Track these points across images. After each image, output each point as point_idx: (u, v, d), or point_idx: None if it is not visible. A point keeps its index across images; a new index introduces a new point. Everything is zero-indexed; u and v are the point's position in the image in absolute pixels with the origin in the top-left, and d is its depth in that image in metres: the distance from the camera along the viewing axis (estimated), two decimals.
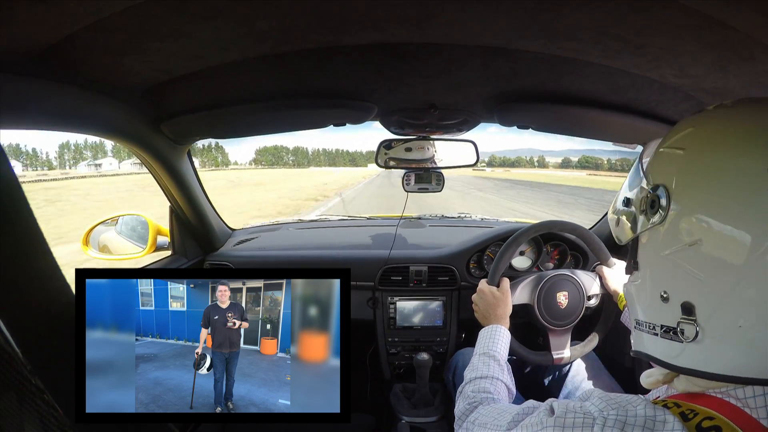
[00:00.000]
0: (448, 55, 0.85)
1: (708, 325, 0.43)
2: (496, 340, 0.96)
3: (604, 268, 1.23)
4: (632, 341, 0.57)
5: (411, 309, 1.63)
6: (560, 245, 1.59)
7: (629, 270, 0.57)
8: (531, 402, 0.62)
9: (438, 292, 1.64)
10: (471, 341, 1.79)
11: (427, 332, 1.63)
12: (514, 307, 1.22)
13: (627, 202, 0.55)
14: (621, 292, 1.15)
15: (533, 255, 1.60)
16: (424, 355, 1.37)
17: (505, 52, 0.82)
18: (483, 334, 1.00)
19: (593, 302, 1.27)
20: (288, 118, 1.18)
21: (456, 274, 1.61)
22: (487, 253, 1.64)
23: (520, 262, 1.61)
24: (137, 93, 0.97)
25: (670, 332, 0.47)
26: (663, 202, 0.47)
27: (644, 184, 0.51)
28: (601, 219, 1.75)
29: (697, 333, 0.44)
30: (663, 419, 0.42)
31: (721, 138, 0.46)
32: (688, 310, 0.45)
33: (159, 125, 1.14)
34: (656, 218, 0.47)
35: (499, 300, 1.08)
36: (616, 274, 1.21)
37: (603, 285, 1.23)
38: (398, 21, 0.71)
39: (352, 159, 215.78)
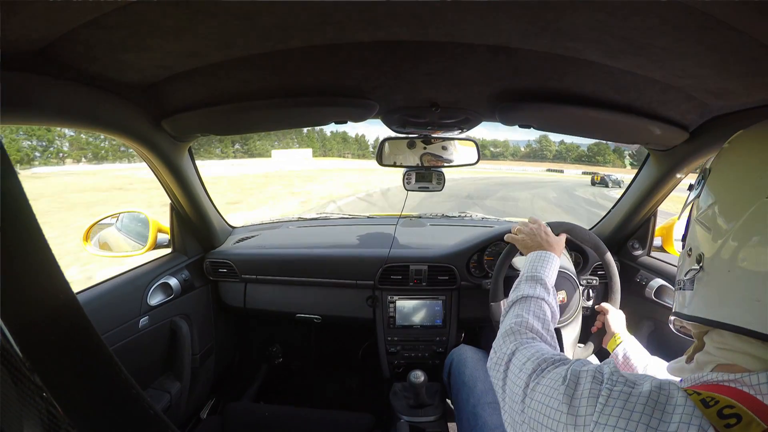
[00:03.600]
0: (450, 53, 0.84)
1: (709, 268, 0.52)
2: (545, 264, 0.94)
3: (607, 305, 1.19)
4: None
5: (411, 308, 1.63)
6: None
7: (683, 245, 0.65)
8: (557, 357, 0.61)
9: (438, 292, 1.64)
10: (469, 341, 1.80)
11: (426, 332, 1.63)
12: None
13: (690, 186, 0.65)
14: (617, 332, 1.11)
15: None
16: (420, 375, 1.37)
17: (508, 51, 0.82)
18: (531, 257, 0.97)
19: (591, 303, 1.27)
20: (289, 116, 1.18)
21: (456, 273, 1.61)
22: (486, 257, 1.64)
23: (521, 261, 1.61)
24: (138, 89, 0.97)
25: (687, 282, 0.56)
26: (705, 176, 0.58)
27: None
28: (602, 219, 1.75)
29: (699, 272, 0.53)
30: (668, 393, 0.44)
31: (755, 142, 0.54)
32: (699, 259, 0.54)
33: (160, 122, 1.14)
34: (698, 189, 0.59)
35: (547, 230, 1.08)
36: (617, 317, 1.16)
37: (605, 323, 1.18)
38: (400, 19, 0.71)
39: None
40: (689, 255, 0.57)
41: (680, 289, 0.59)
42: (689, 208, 0.63)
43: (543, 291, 0.86)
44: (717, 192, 0.55)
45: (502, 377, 0.66)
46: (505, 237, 1.18)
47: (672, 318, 0.65)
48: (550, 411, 0.51)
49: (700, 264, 0.53)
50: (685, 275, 0.56)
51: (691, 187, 0.65)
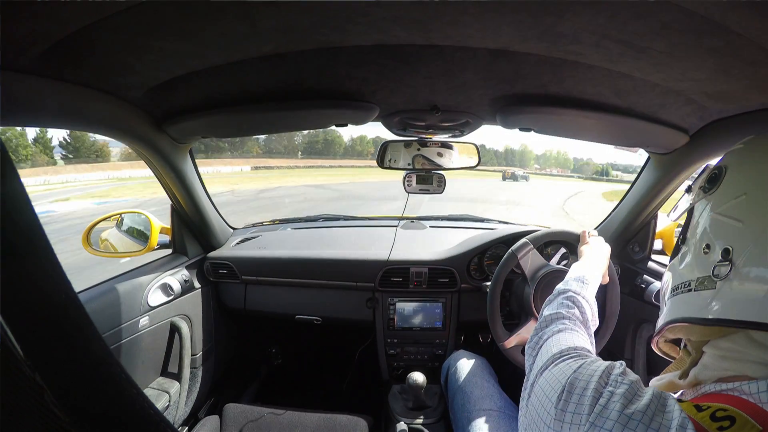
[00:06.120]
0: (451, 57, 0.85)
1: (740, 262, 0.48)
2: (590, 280, 0.93)
3: None
4: (661, 319, 0.62)
5: (410, 310, 1.63)
6: (559, 248, 1.59)
7: (674, 254, 0.63)
8: (584, 351, 0.60)
9: (438, 294, 1.64)
10: (468, 343, 1.80)
11: (426, 334, 1.63)
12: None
13: (689, 189, 0.65)
14: None
15: None
16: (419, 377, 1.36)
17: (508, 54, 0.82)
18: (583, 270, 0.97)
19: None
20: (290, 118, 1.19)
21: (456, 276, 1.61)
22: (486, 261, 1.64)
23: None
24: (140, 92, 0.97)
25: (705, 281, 0.53)
26: (721, 173, 0.57)
27: (709, 168, 0.61)
28: (602, 222, 1.75)
29: (730, 270, 0.49)
30: (665, 404, 0.44)
31: None
32: (726, 253, 0.50)
33: (161, 124, 1.15)
34: (713, 187, 0.57)
35: (606, 257, 1.11)
36: None
37: None
38: (401, 22, 0.71)
39: None
40: (706, 252, 0.54)
41: (690, 290, 0.55)
42: (690, 209, 0.61)
43: (588, 294, 0.86)
44: (744, 184, 0.53)
45: (532, 362, 0.66)
46: (582, 233, 1.21)
47: (656, 338, 0.64)
48: (546, 401, 0.52)
49: (729, 257, 0.50)
50: (712, 272, 0.52)
51: (689, 189, 0.64)
